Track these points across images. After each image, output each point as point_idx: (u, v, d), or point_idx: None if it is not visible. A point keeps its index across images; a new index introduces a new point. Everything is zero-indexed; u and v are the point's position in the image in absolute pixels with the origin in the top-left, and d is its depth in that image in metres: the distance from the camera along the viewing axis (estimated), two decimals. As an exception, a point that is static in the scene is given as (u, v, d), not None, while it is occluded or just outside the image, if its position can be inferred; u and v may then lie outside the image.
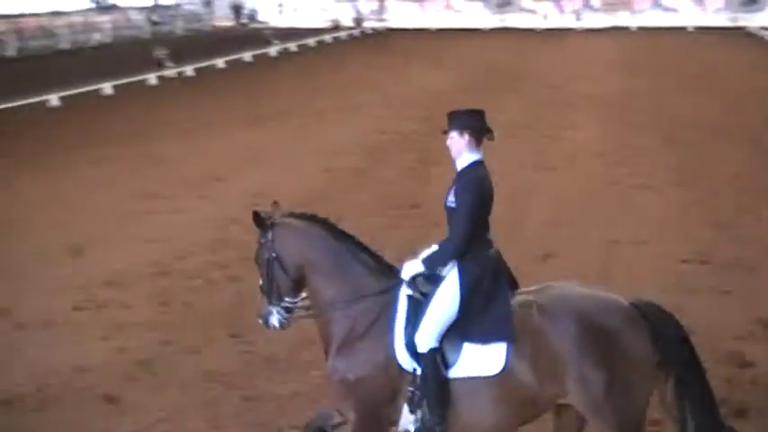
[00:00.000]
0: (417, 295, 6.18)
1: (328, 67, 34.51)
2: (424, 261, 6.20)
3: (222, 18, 56.43)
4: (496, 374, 5.99)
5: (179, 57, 33.72)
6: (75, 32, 43.12)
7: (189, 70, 32.58)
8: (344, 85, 29.23)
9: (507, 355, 5.97)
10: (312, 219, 6.51)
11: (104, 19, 46.27)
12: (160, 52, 33.45)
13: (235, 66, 35.17)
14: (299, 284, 6.44)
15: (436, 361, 6.07)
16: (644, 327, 6.06)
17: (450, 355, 6.11)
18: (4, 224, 13.69)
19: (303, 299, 6.47)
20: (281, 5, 58.15)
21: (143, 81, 29.67)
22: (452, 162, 6.26)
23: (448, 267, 6.19)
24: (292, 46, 42.15)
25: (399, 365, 6.13)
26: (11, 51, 38.34)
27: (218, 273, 11.26)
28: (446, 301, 6.11)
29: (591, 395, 5.96)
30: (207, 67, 33.77)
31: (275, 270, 6.43)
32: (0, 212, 14.28)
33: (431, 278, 6.21)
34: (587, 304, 6.13)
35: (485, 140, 6.36)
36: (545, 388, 6.00)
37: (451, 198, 6.18)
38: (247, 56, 37.35)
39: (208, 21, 55.11)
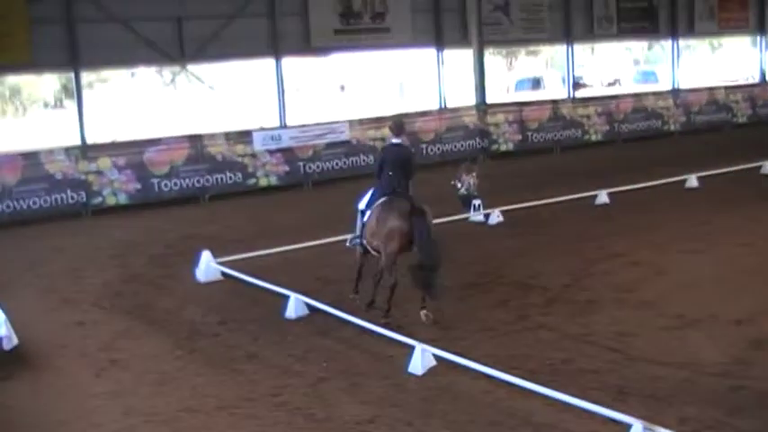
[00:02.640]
0: None
1: None
2: None
3: None
4: (368, 221, 10.48)
5: None
6: None
7: None
8: None
9: (370, 216, 10.41)
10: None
11: None
12: None
13: None
14: None
15: (360, 215, 10.74)
16: (406, 216, 9.97)
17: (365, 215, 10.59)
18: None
19: None
20: None
21: None
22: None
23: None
24: None
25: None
26: None
27: None
28: (367, 196, 10.72)
29: (378, 241, 10.26)
30: None
31: None
32: None
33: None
34: (393, 206, 10.19)
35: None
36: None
37: None
38: None
39: None
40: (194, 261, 13.27)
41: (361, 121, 23.86)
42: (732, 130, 30.33)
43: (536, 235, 14.84)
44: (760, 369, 8.30)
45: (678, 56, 35.27)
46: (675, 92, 31.70)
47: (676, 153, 24.34)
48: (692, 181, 18.66)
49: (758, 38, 40.23)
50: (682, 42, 36.60)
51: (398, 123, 11.08)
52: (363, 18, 26.30)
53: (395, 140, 10.81)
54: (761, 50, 39.65)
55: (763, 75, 39.04)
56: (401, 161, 10.55)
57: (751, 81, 38.23)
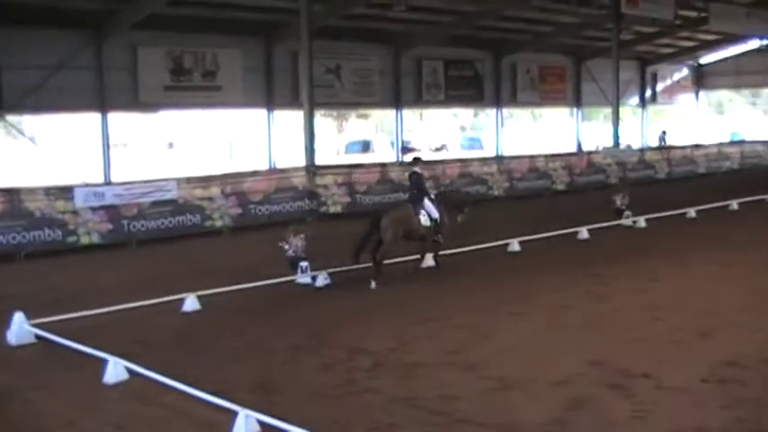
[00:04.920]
0: None
1: None
2: None
3: None
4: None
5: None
6: (710, 160, 42.38)
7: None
8: None
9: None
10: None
11: (733, 150, 44.88)
12: (780, 177, 31.55)
13: None
14: None
15: None
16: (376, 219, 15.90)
17: None
18: (644, 309, 13.72)
19: None
20: None
21: (764, 200, 28.13)
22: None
23: None
24: None
25: None
26: (661, 175, 38.70)
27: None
28: None
29: None
30: None
31: None
32: (649, 298, 14.46)
33: None
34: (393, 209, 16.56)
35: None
36: None
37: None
38: None
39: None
40: (6, 323, 12.55)
41: (189, 180, 23.49)
42: (552, 196, 31.83)
43: (364, 297, 14.94)
44: (576, 429, 8.59)
45: (502, 124, 36.93)
46: (499, 158, 33.15)
47: (500, 218, 25.20)
48: (515, 245, 19.36)
49: (575, 110, 42.69)
50: (505, 111, 38.32)
51: (417, 158, 17.82)
52: (194, 75, 26.13)
53: (415, 169, 16.69)
54: (577, 122, 42.12)
55: (579, 145, 41.39)
56: (418, 183, 16.45)
57: (569, 150, 40.39)
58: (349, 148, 51.58)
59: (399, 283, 16.10)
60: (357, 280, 16.02)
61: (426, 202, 16.39)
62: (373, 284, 15.51)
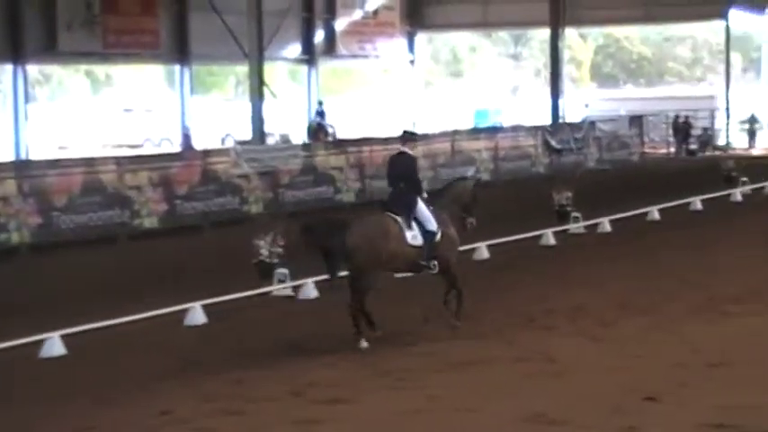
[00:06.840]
0: None
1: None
2: None
3: (658, 143, 56.21)
4: None
5: (589, 203, 33.15)
6: (437, 166, 43.84)
7: (605, 223, 31.60)
8: None
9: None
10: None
11: (481, 145, 46.80)
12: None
13: (669, 215, 33.57)
14: None
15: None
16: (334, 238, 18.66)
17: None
18: None
19: None
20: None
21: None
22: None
23: None
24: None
25: None
26: (347, 196, 39.42)
27: None
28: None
29: None
30: (628, 219, 32.64)
31: None
32: None
33: None
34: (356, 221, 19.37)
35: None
36: None
37: None
38: (697, 201, 35.83)
39: (635, 147, 54.53)
40: None
41: None
42: (129, 241, 31.69)
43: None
44: None
45: (26, 98, 35.67)
46: (21, 166, 32.54)
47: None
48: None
49: (177, 68, 42.36)
50: (32, 71, 37.07)
51: (408, 132, 21.46)
52: None
53: (404, 149, 19.65)
54: (182, 93, 41.80)
55: (187, 137, 40.99)
56: (408, 172, 19.23)
57: (167, 149, 40.00)
58: None
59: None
60: None
61: (420, 205, 18.78)
62: (364, 344, 17.99)
